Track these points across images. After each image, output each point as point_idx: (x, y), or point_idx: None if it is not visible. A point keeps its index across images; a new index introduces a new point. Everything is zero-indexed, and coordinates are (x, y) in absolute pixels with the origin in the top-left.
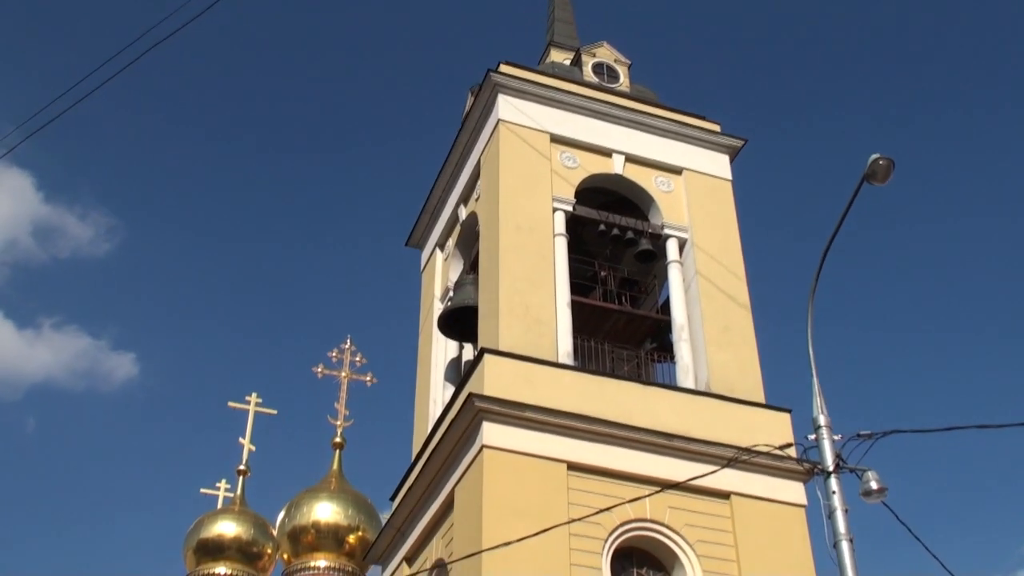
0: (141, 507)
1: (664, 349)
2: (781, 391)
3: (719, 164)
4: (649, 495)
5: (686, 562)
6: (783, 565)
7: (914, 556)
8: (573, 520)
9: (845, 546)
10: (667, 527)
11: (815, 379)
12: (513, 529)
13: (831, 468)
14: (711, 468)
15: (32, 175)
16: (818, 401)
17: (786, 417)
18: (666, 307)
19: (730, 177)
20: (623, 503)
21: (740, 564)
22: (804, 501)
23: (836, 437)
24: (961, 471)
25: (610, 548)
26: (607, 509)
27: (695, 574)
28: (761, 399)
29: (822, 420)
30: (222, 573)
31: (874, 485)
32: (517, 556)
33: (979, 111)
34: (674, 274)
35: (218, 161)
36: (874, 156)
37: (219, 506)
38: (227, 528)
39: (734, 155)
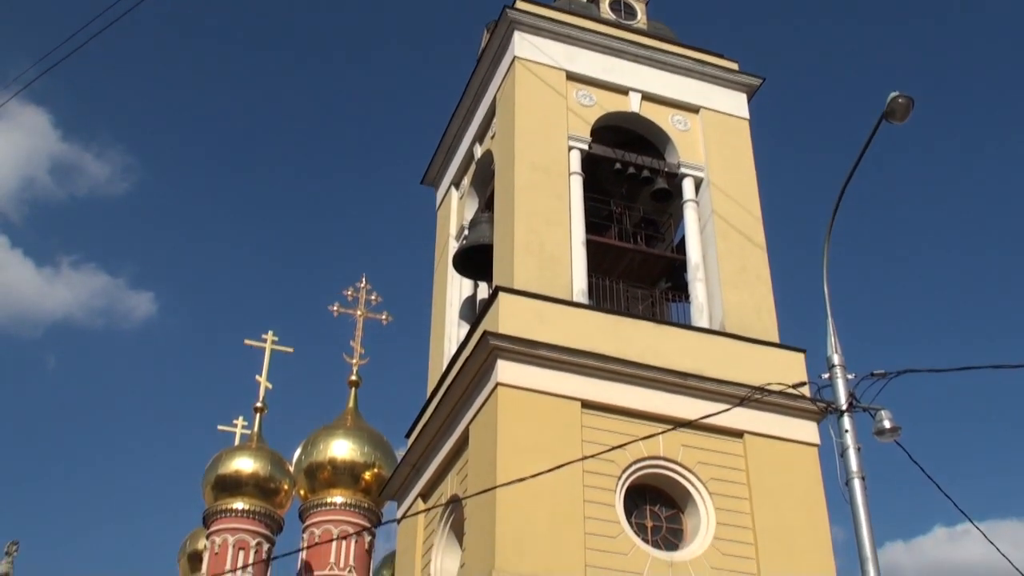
0: (159, 444)
1: (679, 288)
2: (796, 331)
3: (736, 103)
4: (662, 433)
5: (699, 500)
6: (795, 503)
7: (927, 496)
8: (587, 457)
9: (857, 484)
10: (680, 465)
11: (829, 318)
12: (527, 466)
13: (844, 407)
14: (724, 407)
15: (49, 112)
16: (832, 340)
17: (800, 357)
18: (681, 246)
19: (747, 116)
20: (636, 441)
21: (752, 502)
22: (817, 440)
23: (850, 376)
24: (975, 411)
25: (623, 485)
26: (621, 447)
27: (708, 512)
28: (775, 339)
29: (836, 359)
30: (240, 508)
31: (887, 424)
32: (531, 492)
33: (1002, 47)
34: (690, 213)
35: (235, 101)
36: (893, 94)
37: (236, 443)
38: (244, 464)
39: (752, 94)
